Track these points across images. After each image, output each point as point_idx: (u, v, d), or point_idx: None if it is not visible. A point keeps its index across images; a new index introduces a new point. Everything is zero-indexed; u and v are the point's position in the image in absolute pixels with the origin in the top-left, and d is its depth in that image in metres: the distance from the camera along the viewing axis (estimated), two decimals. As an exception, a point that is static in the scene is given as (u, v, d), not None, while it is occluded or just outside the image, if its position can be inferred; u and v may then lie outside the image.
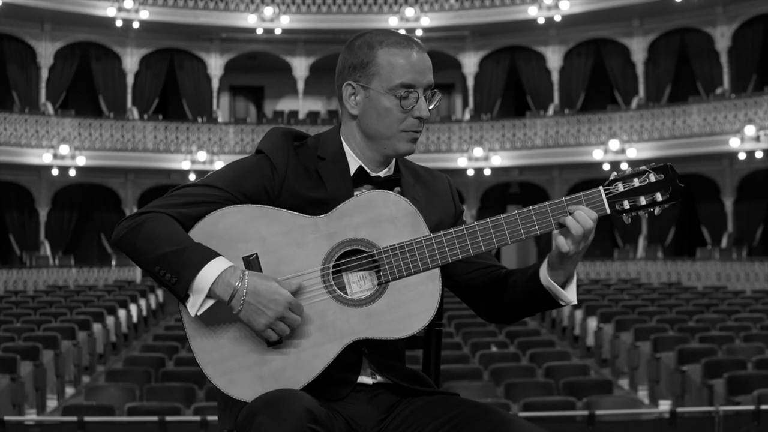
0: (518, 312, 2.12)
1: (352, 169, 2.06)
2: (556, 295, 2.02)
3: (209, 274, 1.86)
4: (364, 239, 1.96)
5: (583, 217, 1.94)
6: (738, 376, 8.46)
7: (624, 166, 19.38)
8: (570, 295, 2.02)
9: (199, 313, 1.89)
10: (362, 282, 1.98)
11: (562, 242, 1.95)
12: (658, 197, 1.96)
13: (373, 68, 2.01)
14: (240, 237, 1.94)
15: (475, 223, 1.96)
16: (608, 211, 1.97)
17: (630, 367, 11.42)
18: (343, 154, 2.07)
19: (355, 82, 2.03)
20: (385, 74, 2.00)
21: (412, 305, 1.95)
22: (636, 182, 1.96)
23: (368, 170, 2.06)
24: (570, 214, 1.95)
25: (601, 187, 1.97)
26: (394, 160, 2.10)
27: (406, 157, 2.19)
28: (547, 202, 1.97)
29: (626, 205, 1.96)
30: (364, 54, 2.02)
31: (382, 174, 2.08)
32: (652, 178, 1.96)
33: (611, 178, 1.98)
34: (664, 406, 9.54)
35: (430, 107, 2.05)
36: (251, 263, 1.92)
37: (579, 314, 14.70)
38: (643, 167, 1.98)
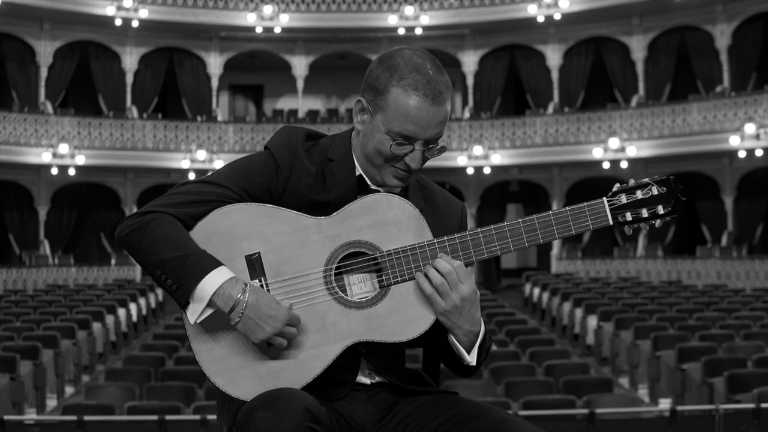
0: (443, 361, 2.12)
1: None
2: (457, 350, 2.00)
3: (210, 284, 1.85)
4: (367, 242, 1.95)
5: (443, 266, 1.91)
6: (738, 375, 8.45)
7: (624, 165, 19.01)
8: (470, 356, 2.00)
9: (198, 321, 1.89)
10: (363, 284, 1.97)
11: (422, 281, 1.93)
12: (660, 210, 1.97)
13: (383, 102, 1.95)
14: (243, 235, 1.93)
15: (479, 230, 1.95)
16: (611, 222, 1.97)
17: (630, 365, 11.41)
18: (350, 157, 2.05)
19: (366, 102, 1.99)
20: (390, 114, 1.94)
21: (412, 310, 1.94)
22: (639, 194, 1.97)
23: (368, 182, 2.04)
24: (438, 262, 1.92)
25: (604, 198, 1.98)
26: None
27: (428, 178, 2.17)
28: (551, 212, 1.96)
29: (628, 216, 1.97)
30: (384, 80, 1.95)
31: (382, 191, 2.04)
32: (655, 191, 1.97)
33: (614, 189, 1.99)
34: (665, 404, 9.54)
35: (430, 157, 2.00)
36: (253, 262, 1.91)
37: (579, 312, 14.69)
38: (646, 180, 1.99)
